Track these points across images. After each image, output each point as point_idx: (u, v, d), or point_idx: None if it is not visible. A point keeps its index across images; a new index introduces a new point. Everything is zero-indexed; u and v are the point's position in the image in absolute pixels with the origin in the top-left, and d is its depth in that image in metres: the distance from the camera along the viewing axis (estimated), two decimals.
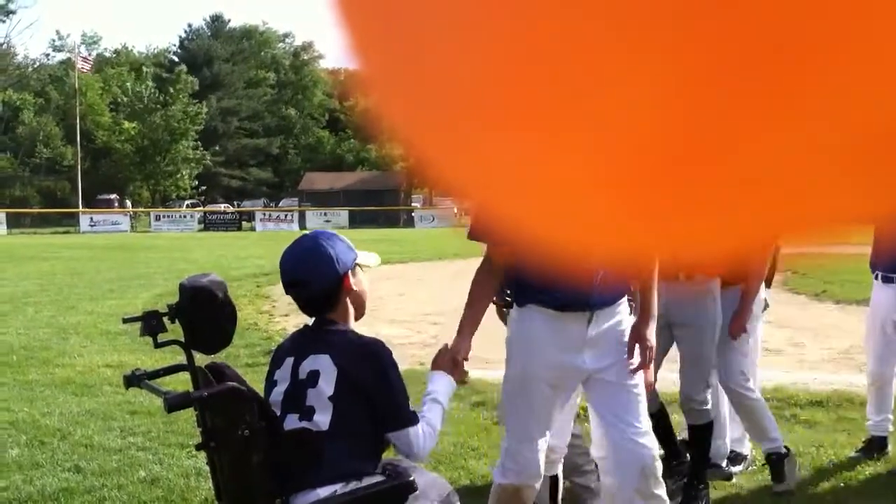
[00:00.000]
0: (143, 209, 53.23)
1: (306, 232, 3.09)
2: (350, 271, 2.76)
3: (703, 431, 4.19)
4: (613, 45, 0.47)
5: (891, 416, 4.93)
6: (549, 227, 0.63)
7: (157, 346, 2.59)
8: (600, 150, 0.52)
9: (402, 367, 2.84)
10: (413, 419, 2.69)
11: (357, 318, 2.85)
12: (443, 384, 2.90)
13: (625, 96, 0.48)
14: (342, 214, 49.27)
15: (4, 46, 64.12)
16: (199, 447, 2.72)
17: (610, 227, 0.58)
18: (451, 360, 2.97)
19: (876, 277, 4.93)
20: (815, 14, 0.43)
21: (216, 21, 77.32)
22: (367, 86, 0.63)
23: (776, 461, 4.39)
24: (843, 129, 0.46)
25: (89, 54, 56.03)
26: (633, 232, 0.58)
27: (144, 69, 62.83)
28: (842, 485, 4.47)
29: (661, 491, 3.18)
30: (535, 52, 0.50)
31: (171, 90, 59.08)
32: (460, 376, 2.99)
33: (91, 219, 45.18)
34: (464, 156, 0.60)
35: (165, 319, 2.60)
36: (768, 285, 4.73)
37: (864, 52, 0.44)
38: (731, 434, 4.79)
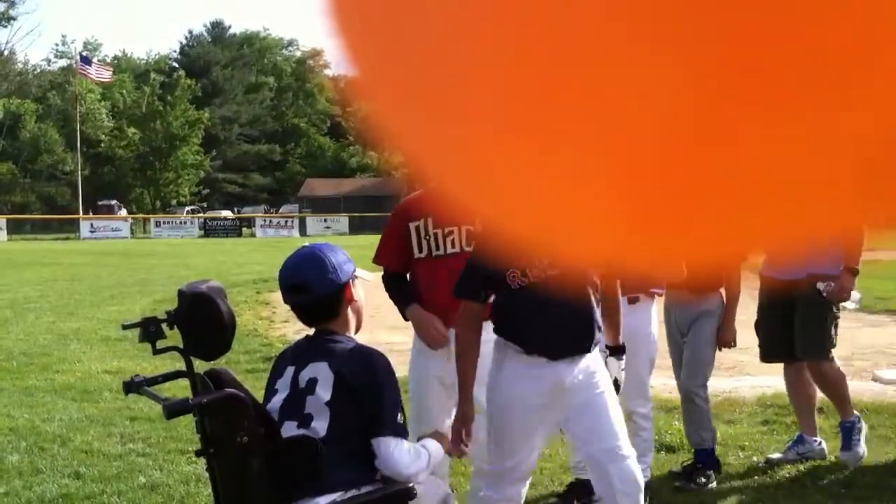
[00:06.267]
0: (143, 215, 53.17)
1: (306, 241, 3.10)
2: (350, 281, 2.78)
3: None
4: (614, 51, 0.47)
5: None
6: (549, 234, 0.62)
7: (156, 352, 2.58)
8: (600, 158, 0.52)
9: (401, 373, 2.82)
10: (398, 431, 2.66)
11: (356, 331, 2.86)
12: (431, 442, 2.89)
13: (625, 102, 0.48)
14: (342, 220, 49.18)
15: (6, 53, 64.13)
16: (198, 453, 2.71)
17: (614, 235, 0.58)
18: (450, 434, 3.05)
19: None
20: (816, 20, 0.43)
21: (216, 27, 77.34)
22: (363, 93, 0.63)
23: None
24: (845, 136, 0.46)
25: (107, 65, 55.66)
26: (633, 238, 0.57)
27: (153, 76, 62.68)
28: (843, 490, 4.46)
29: None
30: (531, 58, 0.50)
31: (170, 97, 59.02)
32: (456, 451, 3.04)
33: (91, 225, 45.12)
34: (461, 162, 0.60)
35: (164, 326, 2.60)
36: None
37: (865, 59, 0.44)
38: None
